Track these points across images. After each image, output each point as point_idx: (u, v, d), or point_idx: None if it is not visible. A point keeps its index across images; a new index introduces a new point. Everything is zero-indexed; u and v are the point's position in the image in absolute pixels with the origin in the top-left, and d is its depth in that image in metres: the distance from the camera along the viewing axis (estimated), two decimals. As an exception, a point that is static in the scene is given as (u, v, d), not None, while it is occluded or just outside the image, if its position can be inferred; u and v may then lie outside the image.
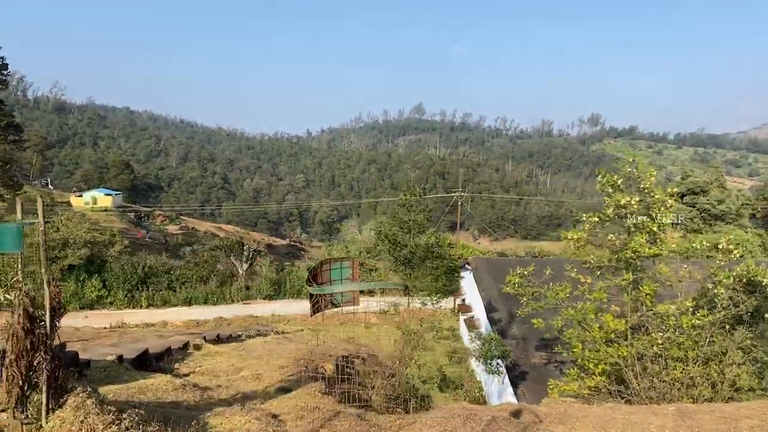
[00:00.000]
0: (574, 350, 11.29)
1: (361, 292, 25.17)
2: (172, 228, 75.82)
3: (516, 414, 7.49)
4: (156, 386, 7.28)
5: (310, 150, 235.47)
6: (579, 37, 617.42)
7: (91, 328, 19.47)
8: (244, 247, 36.49)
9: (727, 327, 10.45)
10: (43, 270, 4.47)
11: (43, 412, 4.47)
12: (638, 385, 9.69)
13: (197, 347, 12.27)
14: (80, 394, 4.69)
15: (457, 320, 28.17)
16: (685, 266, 10.93)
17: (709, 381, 9.68)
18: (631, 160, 11.17)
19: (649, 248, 10.26)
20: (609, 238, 10.99)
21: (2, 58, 43.71)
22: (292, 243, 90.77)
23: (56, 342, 4.72)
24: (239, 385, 8.97)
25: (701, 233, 50.34)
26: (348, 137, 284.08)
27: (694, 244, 11.62)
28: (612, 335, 10.81)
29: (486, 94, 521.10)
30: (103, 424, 4.50)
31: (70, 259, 28.74)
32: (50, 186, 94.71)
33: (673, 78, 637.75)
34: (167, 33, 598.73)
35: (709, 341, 10.24)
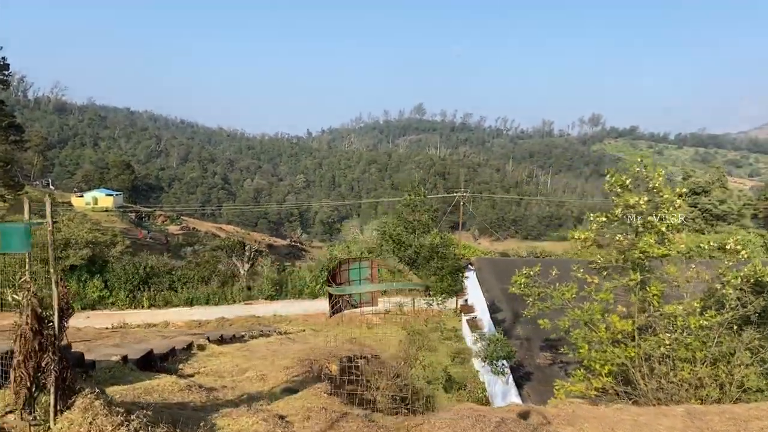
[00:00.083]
0: (581, 351, 11.23)
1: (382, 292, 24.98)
2: (172, 228, 75.80)
3: (524, 415, 7.44)
4: (162, 387, 7.24)
5: (310, 150, 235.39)
6: (579, 36, 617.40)
7: (93, 328, 19.42)
8: (246, 248, 36.45)
9: (735, 328, 10.39)
10: (51, 270, 4.42)
11: (51, 414, 4.42)
12: (646, 386, 9.63)
13: (201, 348, 12.23)
14: (88, 396, 4.64)
15: (459, 321, 28.12)
16: (693, 266, 10.86)
17: (717, 382, 9.63)
18: (639, 159, 11.12)
19: (658, 249, 10.20)
20: (617, 238, 10.92)
21: (3, 58, 43.77)
22: (293, 243, 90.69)
23: (63, 342, 4.68)
24: (244, 385, 8.92)
25: (703, 233, 50.27)
26: (348, 137, 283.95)
27: (702, 245, 11.56)
28: (619, 336, 10.75)
29: (486, 94, 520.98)
30: (112, 425, 4.45)
31: (72, 260, 28.72)
32: (51, 186, 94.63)
33: (673, 78, 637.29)
34: (168, 33, 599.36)
35: (717, 342, 10.18)
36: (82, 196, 77.50)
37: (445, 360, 22.07)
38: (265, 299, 32.12)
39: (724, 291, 10.47)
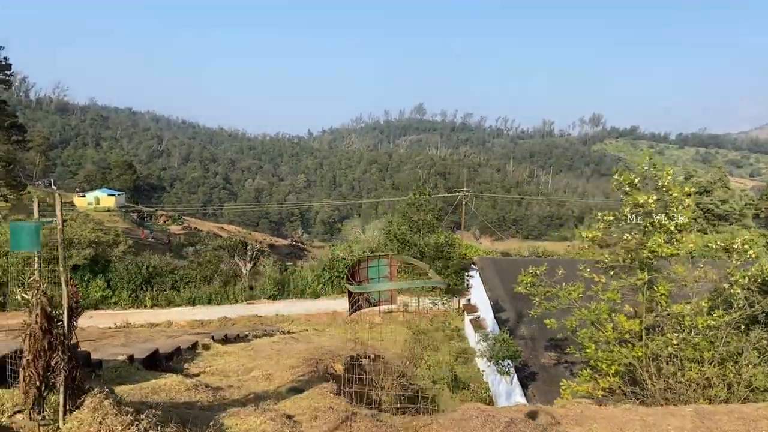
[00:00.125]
0: (587, 351, 11.18)
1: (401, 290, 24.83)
2: (174, 228, 75.85)
3: (533, 415, 7.39)
4: (169, 386, 7.21)
5: (311, 150, 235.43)
6: (580, 36, 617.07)
7: (97, 328, 19.44)
8: (248, 247, 36.44)
9: (743, 327, 10.34)
10: (61, 269, 4.39)
11: (61, 413, 4.38)
12: (653, 386, 9.58)
13: (206, 347, 12.20)
14: (97, 395, 4.60)
15: (462, 320, 28.04)
16: (701, 266, 10.81)
17: (725, 382, 9.58)
18: (648, 158, 11.06)
19: (667, 248, 10.14)
20: (624, 237, 10.86)
21: (5, 58, 43.82)
22: (294, 243, 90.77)
23: (71, 342, 4.64)
24: (250, 385, 8.89)
25: (706, 233, 50.19)
26: (349, 137, 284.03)
27: (710, 244, 11.50)
28: (626, 336, 10.69)
29: (487, 94, 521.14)
30: (122, 425, 4.41)
31: (75, 260, 28.72)
32: (53, 186, 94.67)
33: (673, 78, 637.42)
34: (168, 33, 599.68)
35: (725, 342, 10.13)
36: (84, 196, 77.59)
37: (449, 360, 22.00)
38: (268, 299, 32.12)
39: (731, 291, 10.42)
